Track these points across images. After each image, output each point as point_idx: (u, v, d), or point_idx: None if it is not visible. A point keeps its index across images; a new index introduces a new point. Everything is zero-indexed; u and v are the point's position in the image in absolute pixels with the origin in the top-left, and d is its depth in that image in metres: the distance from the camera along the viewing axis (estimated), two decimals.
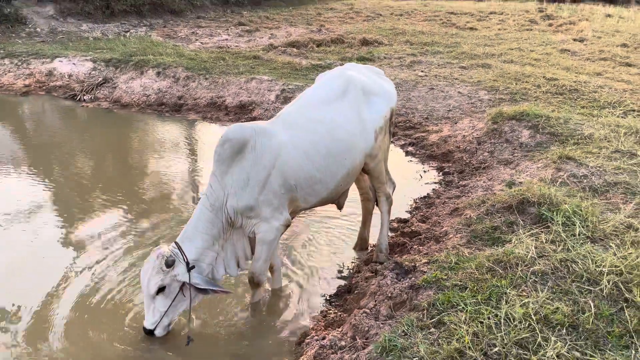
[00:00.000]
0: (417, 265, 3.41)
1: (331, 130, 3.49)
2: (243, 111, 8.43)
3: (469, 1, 26.21)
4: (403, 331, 2.64)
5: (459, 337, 2.45)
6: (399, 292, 3.15)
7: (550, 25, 16.51)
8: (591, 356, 2.30)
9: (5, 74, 10.65)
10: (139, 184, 5.97)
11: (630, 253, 3.02)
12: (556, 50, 11.92)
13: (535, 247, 3.19)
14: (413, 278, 3.25)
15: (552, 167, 4.86)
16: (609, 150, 5.10)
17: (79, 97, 9.66)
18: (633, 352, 2.34)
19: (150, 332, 3.25)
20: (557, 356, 2.28)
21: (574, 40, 13.41)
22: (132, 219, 5.02)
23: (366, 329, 2.94)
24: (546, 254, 3.13)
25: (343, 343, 2.93)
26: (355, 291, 3.67)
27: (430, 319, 2.70)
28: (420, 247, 3.96)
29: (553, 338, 2.39)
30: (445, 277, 3.06)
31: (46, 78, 10.45)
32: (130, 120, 8.64)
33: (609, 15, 19.11)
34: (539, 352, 2.32)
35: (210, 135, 7.84)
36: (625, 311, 2.59)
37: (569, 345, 2.37)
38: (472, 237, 3.68)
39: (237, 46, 13.18)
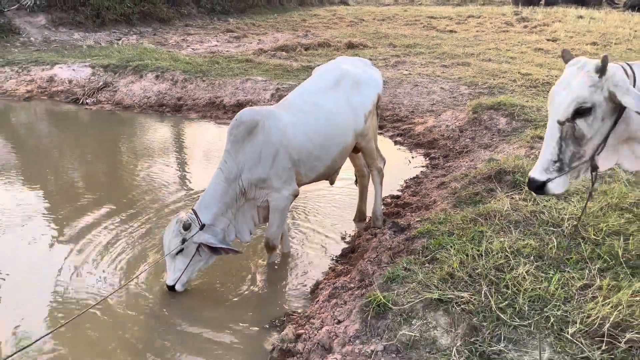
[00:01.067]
0: (411, 223, 4.00)
1: (327, 114, 4.06)
2: (240, 109, 8.95)
3: (447, 6, 27.14)
4: (403, 267, 3.21)
5: (449, 264, 3.04)
6: (397, 244, 3.73)
7: (526, 27, 17.35)
8: (553, 274, 2.90)
9: (7, 81, 11.06)
10: (152, 176, 6.47)
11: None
12: (531, 49, 12.69)
13: (510, 204, 3.80)
14: (408, 233, 3.84)
15: (526, 146, 5.50)
16: None
17: (81, 100, 10.12)
18: (587, 272, 2.95)
19: (171, 288, 3.78)
20: (527, 273, 2.88)
21: (548, 40, 14.22)
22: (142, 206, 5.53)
23: (371, 272, 3.51)
24: (519, 208, 3.74)
25: (352, 285, 3.49)
26: (359, 250, 4.24)
27: (425, 257, 3.29)
28: (413, 214, 4.55)
29: (523, 260, 2.99)
30: (436, 229, 3.66)
31: (47, 84, 10.88)
32: (134, 120, 9.15)
33: (580, 17, 20.03)
34: (512, 272, 2.92)
35: (211, 131, 8.38)
36: (582, 245, 3.20)
37: (535, 267, 2.98)
38: (457, 202, 4.27)
39: (227, 51, 13.72)
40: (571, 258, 3.08)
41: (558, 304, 2.69)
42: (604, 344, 2.38)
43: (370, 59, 11.90)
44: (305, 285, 3.99)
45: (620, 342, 2.38)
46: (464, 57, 11.63)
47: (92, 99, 10.14)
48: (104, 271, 4.17)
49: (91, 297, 3.84)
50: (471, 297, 2.79)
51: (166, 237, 3.79)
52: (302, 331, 3.13)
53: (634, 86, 2.33)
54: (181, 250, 3.74)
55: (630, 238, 3.23)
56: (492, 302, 2.73)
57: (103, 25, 17.65)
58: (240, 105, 9.04)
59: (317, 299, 3.56)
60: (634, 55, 11.51)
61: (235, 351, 3.29)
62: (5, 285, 4.02)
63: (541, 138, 5.59)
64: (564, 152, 2.37)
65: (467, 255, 3.13)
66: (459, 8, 24.89)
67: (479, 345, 2.51)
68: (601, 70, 2.31)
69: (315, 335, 3.02)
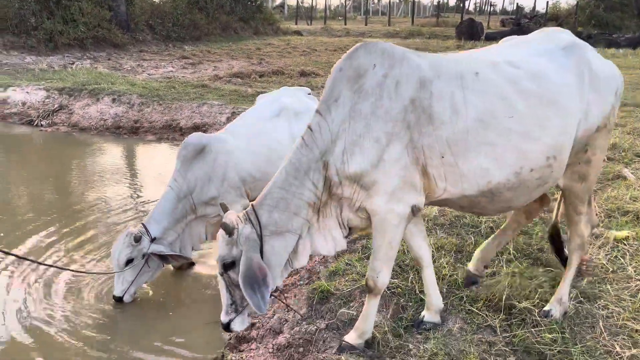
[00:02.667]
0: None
1: (268, 140, 4.51)
2: (197, 132, 9.33)
3: (396, 38, 28.58)
4: (345, 262, 3.70)
5: None
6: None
7: None
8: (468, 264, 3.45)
9: None
10: (107, 195, 6.71)
11: None
12: None
13: (438, 210, 4.38)
14: (350, 237, 4.33)
15: None
16: None
17: (35, 122, 10.22)
18: (497, 262, 3.52)
19: (119, 299, 3.99)
20: (447, 263, 3.43)
21: None
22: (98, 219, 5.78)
23: (318, 270, 3.96)
24: (445, 214, 4.32)
25: (301, 282, 3.93)
26: None
27: (364, 255, 3.79)
28: None
29: (445, 254, 3.53)
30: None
31: (0, 106, 10.90)
32: (90, 142, 9.33)
33: None
34: (435, 263, 3.45)
35: (167, 152, 8.69)
36: None
37: (455, 259, 3.53)
38: None
39: (183, 77, 14.10)
40: None
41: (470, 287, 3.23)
42: (502, 313, 2.93)
43: (322, 86, 12.58)
44: None
45: (515, 315, 2.93)
46: None
47: (47, 120, 10.26)
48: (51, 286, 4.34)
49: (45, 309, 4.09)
50: (400, 283, 3.29)
51: (115, 250, 4.03)
52: (256, 321, 3.53)
53: (259, 227, 2.59)
54: (130, 262, 4.00)
55: (534, 236, 3.85)
56: (417, 287, 3.24)
57: (56, 49, 17.67)
58: (197, 128, 9.41)
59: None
60: None
61: (195, 343, 3.64)
62: None
63: None
64: (234, 296, 2.69)
65: (398, 251, 3.64)
66: (407, 40, 26.32)
67: (404, 321, 3.00)
68: (229, 233, 2.58)
69: (268, 322, 3.43)
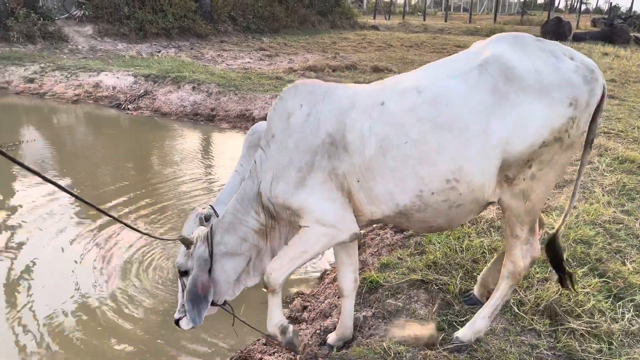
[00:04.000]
0: None
1: None
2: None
3: (477, 36, 27.79)
4: (397, 256, 3.81)
5: (434, 255, 3.63)
6: (396, 241, 4.33)
7: None
8: None
9: (57, 84, 12.07)
10: (181, 176, 7.19)
11: None
12: None
13: (496, 213, 4.37)
14: (406, 232, 4.43)
15: None
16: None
17: (123, 106, 11.04)
18: (550, 268, 3.50)
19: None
20: None
21: None
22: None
23: (370, 262, 4.11)
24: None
25: None
26: (364, 247, 4.83)
27: (416, 250, 3.89)
28: None
29: (495, 256, 3.55)
30: None
31: (93, 89, 11.84)
32: (169, 126, 9.97)
33: (606, 54, 20.44)
34: (486, 264, 3.49)
35: (239, 140, 9.10)
36: None
37: None
38: None
39: (259, 68, 14.59)
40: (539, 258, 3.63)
41: (520, 290, 3.25)
42: (548, 318, 2.94)
43: None
44: (315, 273, 4.60)
45: (562, 322, 2.93)
46: None
47: (133, 104, 11.04)
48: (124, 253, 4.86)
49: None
50: (449, 280, 3.37)
51: (186, 229, 4.38)
52: (308, 304, 3.74)
53: (211, 247, 2.98)
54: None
55: (593, 246, 3.78)
56: (465, 286, 3.31)
57: (145, 37, 18.82)
58: None
59: (323, 282, 4.17)
60: None
61: (252, 320, 3.90)
62: (43, 265, 4.74)
63: None
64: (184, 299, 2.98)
65: (450, 249, 3.72)
66: (488, 39, 25.49)
67: (450, 317, 3.09)
68: (187, 246, 3.02)
69: (319, 306, 3.63)
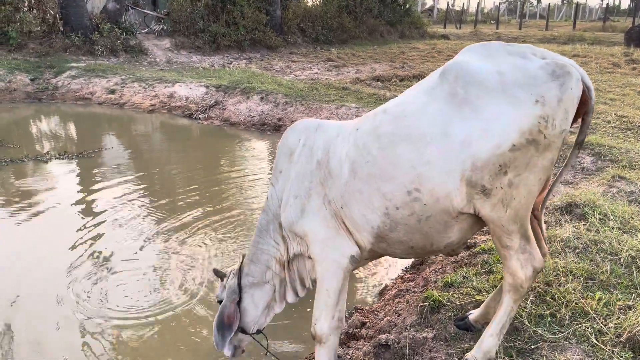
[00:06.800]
0: (477, 242, 4.37)
1: None
2: None
3: (552, 44, 26.56)
4: (462, 275, 3.62)
5: (502, 275, 3.40)
6: (461, 258, 4.13)
7: (634, 69, 16.68)
8: (600, 297, 3.17)
9: (135, 95, 12.72)
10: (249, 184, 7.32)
11: None
12: (634, 92, 12.30)
13: (572, 232, 4.06)
14: (472, 250, 4.22)
15: (605, 184, 5.62)
16: None
17: (195, 115, 11.44)
18: (634, 296, 3.19)
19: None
20: (574, 289, 3.19)
21: None
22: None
23: (434, 280, 3.93)
24: (580, 236, 3.99)
25: (416, 289, 3.94)
26: (427, 263, 4.66)
27: (483, 269, 3.68)
28: (481, 235, 4.89)
29: (572, 279, 3.29)
30: None
31: (168, 99, 12.38)
32: (238, 135, 10.24)
33: None
34: (560, 287, 3.23)
35: None
36: (635, 274, 3.43)
37: (584, 286, 3.26)
38: None
39: (327, 79, 14.67)
40: (621, 283, 3.32)
41: (598, 318, 2.97)
42: (632, 351, 2.66)
43: None
44: (375, 288, 4.48)
45: None
46: None
47: (204, 114, 11.42)
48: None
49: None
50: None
51: None
52: (367, 320, 3.63)
53: (240, 279, 3.21)
54: None
55: None
56: (536, 310, 3.07)
57: (218, 50, 19.51)
58: None
59: (383, 298, 4.05)
60: None
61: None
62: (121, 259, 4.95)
63: (622, 177, 5.68)
64: None
65: None
66: (565, 47, 24.30)
67: (518, 343, 2.87)
68: (220, 279, 3.33)
69: (378, 324, 3.51)
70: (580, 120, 2.56)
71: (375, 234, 2.66)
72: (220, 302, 3.21)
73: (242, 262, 3.26)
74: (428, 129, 2.41)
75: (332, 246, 2.77)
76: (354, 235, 2.75)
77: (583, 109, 2.45)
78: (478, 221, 2.57)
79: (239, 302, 3.16)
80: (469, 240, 4.52)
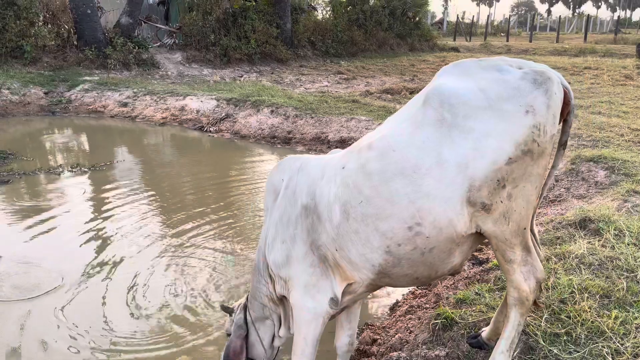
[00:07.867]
0: (489, 257, 4.31)
1: None
2: (343, 145, 9.70)
3: (564, 56, 26.46)
4: (475, 292, 3.57)
5: None
6: (474, 274, 4.08)
7: None
8: (616, 315, 3.11)
9: (147, 108, 12.84)
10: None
11: None
12: None
13: (587, 248, 4.00)
14: (485, 265, 4.17)
15: (620, 198, 5.54)
16: None
17: (205, 128, 11.51)
18: None
19: None
20: (589, 307, 3.12)
21: None
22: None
23: (445, 296, 3.88)
24: (595, 252, 3.93)
25: (427, 305, 3.89)
26: None
27: (496, 286, 3.62)
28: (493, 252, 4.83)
29: (588, 297, 3.22)
30: None
31: (179, 112, 12.47)
32: (248, 148, 10.26)
33: None
34: (575, 305, 3.17)
35: None
36: None
37: (600, 304, 3.20)
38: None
39: (337, 91, 14.71)
40: (638, 301, 3.25)
41: (615, 337, 2.91)
42: None
43: None
44: (386, 304, 4.43)
45: None
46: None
47: (214, 127, 11.48)
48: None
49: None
50: (532, 322, 3.08)
51: None
52: (378, 337, 3.58)
53: (245, 313, 3.26)
54: None
55: None
56: (551, 328, 3.01)
57: (229, 63, 19.67)
58: (343, 141, 9.78)
59: (395, 314, 4.00)
60: None
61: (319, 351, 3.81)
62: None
63: (637, 192, 5.60)
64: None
65: (540, 288, 3.41)
66: (576, 59, 24.19)
67: None
68: (229, 313, 3.38)
69: (389, 341, 3.46)
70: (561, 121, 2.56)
71: (377, 271, 2.56)
72: (229, 335, 3.26)
73: (247, 297, 3.29)
74: (421, 160, 2.33)
75: (312, 294, 2.71)
76: (353, 274, 2.63)
77: (566, 110, 2.45)
78: (478, 238, 2.53)
79: (247, 336, 3.20)
80: (480, 257, 4.48)
